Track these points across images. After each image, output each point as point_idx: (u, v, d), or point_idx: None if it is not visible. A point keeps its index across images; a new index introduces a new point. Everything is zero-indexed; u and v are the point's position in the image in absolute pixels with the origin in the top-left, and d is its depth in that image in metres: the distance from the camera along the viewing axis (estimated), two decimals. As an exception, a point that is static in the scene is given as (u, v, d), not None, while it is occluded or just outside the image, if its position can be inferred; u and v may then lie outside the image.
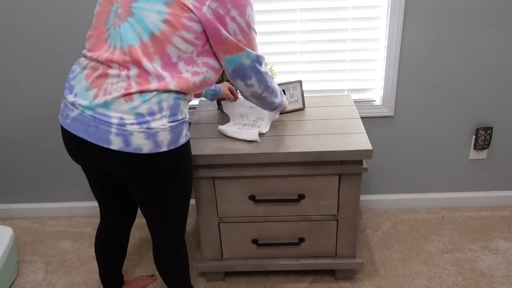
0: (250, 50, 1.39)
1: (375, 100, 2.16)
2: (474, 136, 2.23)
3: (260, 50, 2.07)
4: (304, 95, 2.13)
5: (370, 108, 2.16)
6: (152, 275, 2.04)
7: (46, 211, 2.49)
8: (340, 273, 1.96)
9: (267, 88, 1.52)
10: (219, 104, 2.01)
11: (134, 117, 1.30)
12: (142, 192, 1.43)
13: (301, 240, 1.87)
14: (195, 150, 1.70)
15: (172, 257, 1.62)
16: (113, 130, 1.30)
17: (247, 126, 1.82)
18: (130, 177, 1.38)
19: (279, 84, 1.93)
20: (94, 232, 2.36)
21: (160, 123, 1.32)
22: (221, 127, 1.81)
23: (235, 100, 1.88)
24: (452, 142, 2.24)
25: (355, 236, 1.87)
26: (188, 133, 1.44)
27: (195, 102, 2.17)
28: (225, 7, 1.31)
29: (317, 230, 1.86)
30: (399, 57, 2.05)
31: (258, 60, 1.43)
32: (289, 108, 1.97)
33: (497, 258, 2.05)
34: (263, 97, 1.55)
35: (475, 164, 2.30)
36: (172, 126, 1.35)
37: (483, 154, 2.27)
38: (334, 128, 1.81)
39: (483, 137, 2.20)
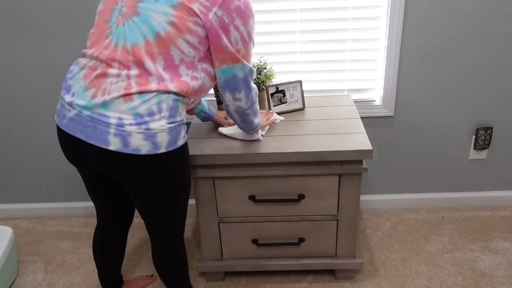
0: (246, 63, 1.41)
1: (375, 100, 2.16)
2: (474, 136, 2.22)
3: (260, 50, 2.07)
4: (304, 95, 2.13)
5: (370, 108, 2.15)
6: (152, 275, 2.04)
7: (46, 211, 2.48)
8: (340, 273, 1.96)
9: (252, 104, 1.54)
10: (219, 104, 2.01)
11: (133, 117, 1.30)
12: (139, 193, 1.43)
13: (301, 240, 1.87)
14: (195, 150, 1.70)
15: (170, 258, 1.62)
16: (112, 130, 1.30)
17: None
18: (128, 178, 1.38)
19: (279, 84, 1.93)
20: (94, 232, 2.36)
21: (159, 124, 1.32)
22: (221, 129, 1.80)
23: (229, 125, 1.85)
24: (452, 142, 2.24)
25: (355, 236, 1.86)
26: (186, 136, 1.44)
27: (195, 102, 2.17)
28: (230, 16, 1.33)
29: (317, 230, 1.86)
30: (399, 57, 2.04)
31: (251, 74, 1.46)
32: (289, 108, 1.97)
33: (497, 258, 2.05)
34: (247, 114, 1.55)
35: (475, 164, 2.30)
36: (170, 127, 1.35)
37: (483, 154, 2.26)
38: (334, 128, 1.81)
39: (483, 137, 2.20)
